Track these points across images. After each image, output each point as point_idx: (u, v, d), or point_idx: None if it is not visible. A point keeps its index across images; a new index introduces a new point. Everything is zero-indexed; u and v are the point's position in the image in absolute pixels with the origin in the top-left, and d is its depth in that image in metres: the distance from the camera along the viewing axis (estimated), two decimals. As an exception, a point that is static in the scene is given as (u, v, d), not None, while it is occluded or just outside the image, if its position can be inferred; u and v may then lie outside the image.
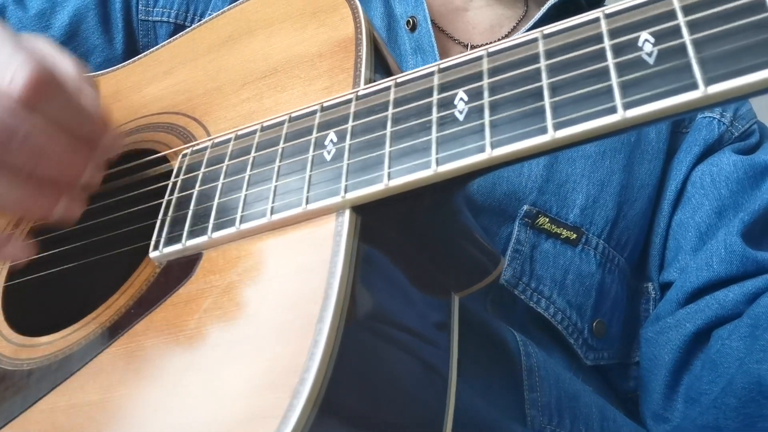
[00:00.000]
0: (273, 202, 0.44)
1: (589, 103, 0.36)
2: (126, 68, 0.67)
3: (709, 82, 0.33)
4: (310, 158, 0.44)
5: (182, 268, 0.47)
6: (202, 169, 0.49)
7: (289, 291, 0.40)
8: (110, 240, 0.56)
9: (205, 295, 0.44)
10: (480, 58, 0.42)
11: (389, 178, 0.41)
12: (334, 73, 0.50)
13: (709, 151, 0.74)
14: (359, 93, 0.46)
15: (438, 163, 0.39)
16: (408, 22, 0.76)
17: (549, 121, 0.37)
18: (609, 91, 0.36)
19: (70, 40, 0.81)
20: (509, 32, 0.79)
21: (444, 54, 0.76)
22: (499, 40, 0.65)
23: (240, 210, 0.45)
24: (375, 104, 0.44)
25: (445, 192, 0.43)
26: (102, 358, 0.45)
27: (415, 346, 0.45)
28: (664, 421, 0.66)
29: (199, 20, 0.72)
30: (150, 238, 0.49)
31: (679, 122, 0.77)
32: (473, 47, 0.77)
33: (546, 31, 0.40)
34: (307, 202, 0.43)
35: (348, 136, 0.44)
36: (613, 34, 0.37)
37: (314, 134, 0.45)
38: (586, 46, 0.38)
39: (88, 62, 0.81)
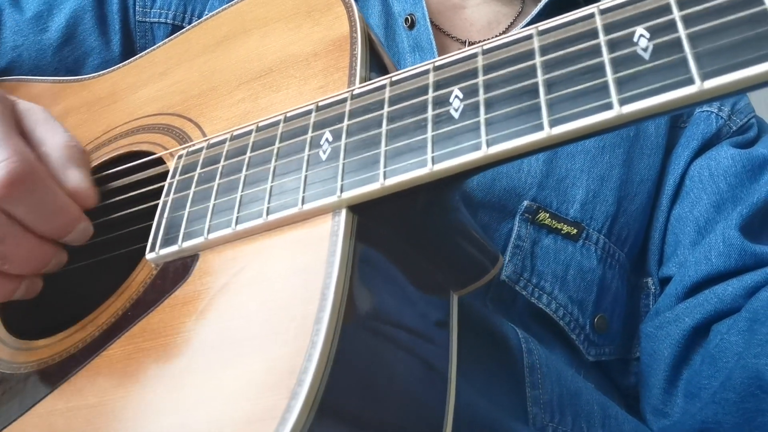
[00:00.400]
0: (269, 203, 0.44)
1: (585, 100, 0.36)
2: (121, 69, 0.67)
3: (705, 77, 0.33)
4: (305, 158, 0.44)
5: (179, 270, 0.46)
6: (198, 170, 0.49)
7: (286, 291, 0.40)
8: (107, 242, 0.55)
9: (201, 297, 0.44)
10: (475, 55, 0.42)
11: (385, 177, 0.40)
12: (329, 72, 0.49)
13: (707, 145, 0.74)
14: (354, 92, 0.45)
15: (434, 162, 0.39)
16: (406, 19, 0.76)
17: (545, 118, 0.37)
18: (605, 87, 0.35)
19: (67, 42, 0.81)
20: (506, 29, 0.79)
21: (442, 51, 0.75)
22: (496, 36, 0.65)
23: (236, 211, 0.45)
24: (370, 103, 0.44)
25: (441, 190, 0.43)
26: (99, 361, 0.45)
27: (413, 345, 0.44)
28: (663, 416, 0.66)
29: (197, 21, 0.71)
30: (146, 240, 0.49)
31: (677, 117, 0.76)
32: (471, 44, 0.77)
33: (541, 28, 0.40)
34: (303, 202, 0.43)
35: (343, 136, 0.43)
36: (608, 29, 0.37)
37: (310, 134, 0.45)
38: (581, 42, 0.38)
39: (86, 64, 0.81)
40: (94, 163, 0.60)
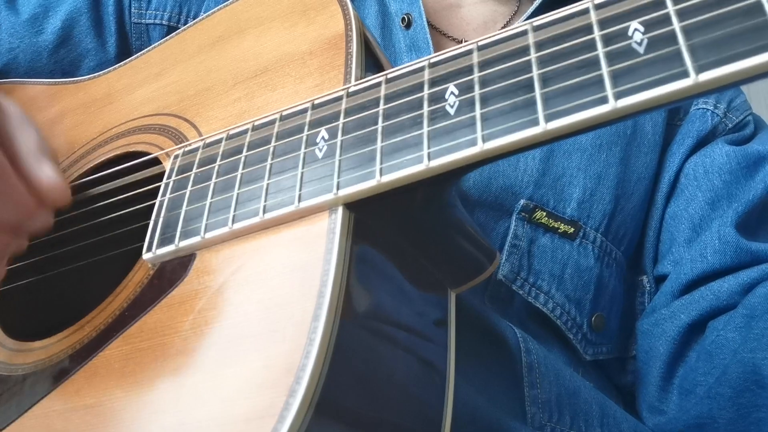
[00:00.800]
0: (265, 201, 0.44)
1: (580, 94, 0.36)
2: (117, 71, 0.67)
3: (699, 69, 0.33)
4: (301, 156, 0.44)
5: (176, 269, 0.46)
6: (194, 170, 0.49)
7: (284, 289, 0.40)
8: (103, 242, 0.55)
9: (199, 296, 0.43)
10: (470, 51, 0.42)
11: (381, 173, 0.40)
12: (325, 71, 0.49)
13: (702, 142, 0.74)
14: (350, 90, 0.46)
15: (430, 158, 0.39)
16: (403, 19, 0.76)
17: (540, 113, 0.37)
18: (600, 81, 0.35)
19: (62, 44, 0.81)
20: (503, 27, 0.79)
21: (439, 51, 0.75)
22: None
23: (232, 210, 0.45)
24: (366, 100, 0.44)
25: (438, 186, 0.43)
26: (97, 361, 0.45)
27: (411, 343, 0.44)
28: (659, 413, 0.66)
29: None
30: (143, 240, 0.49)
31: (673, 114, 0.76)
32: (467, 43, 0.77)
33: (535, 23, 0.40)
34: (299, 200, 0.42)
35: (339, 133, 0.43)
36: (603, 24, 0.37)
37: (305, 132, 0.45)
38: (576, 36, 0.38)
39: (81, 66, 0.81)
40: (91, 164, 0.60)
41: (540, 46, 0.39)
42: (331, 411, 0.36)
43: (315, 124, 0.45)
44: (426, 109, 0.41)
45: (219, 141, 0.50)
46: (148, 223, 0.49)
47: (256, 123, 0.48)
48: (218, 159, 0.48)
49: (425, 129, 0.40)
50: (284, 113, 0.47)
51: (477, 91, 0.40)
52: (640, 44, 0.35)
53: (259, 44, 0.55)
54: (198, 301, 0.43)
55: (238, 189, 0.46)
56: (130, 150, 0.58)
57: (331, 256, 0.39)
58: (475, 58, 0.41)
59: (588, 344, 0.68)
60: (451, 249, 0.48)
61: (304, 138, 0.45)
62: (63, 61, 0.81)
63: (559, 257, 0.68)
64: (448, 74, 0.42)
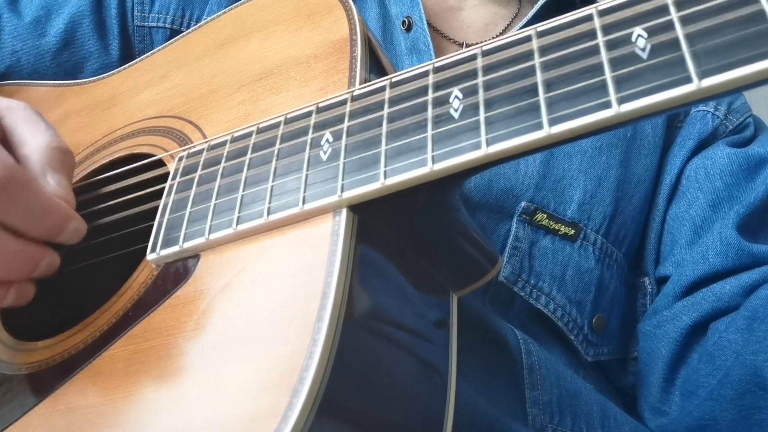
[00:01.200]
0: (270, 203, 0.44)
1: (584, 99, 0.36)
2: (122, 73, 0.67)
3: (702, 75, 0.33)
4: (306, 158, 0.44)
5: (180, 270, 0.47)
6: (199, 171, 0.49)
7: (287, 290, 0.40)
8: (107, 243, 0.56)
9: (203, 297, 0.44)
10: (474, 56, 0.42)
11: (386, 176, 0.41)
12: (330, 74, 0.50)
13: (703, 144, 0.74)
14: (354, 93, 0.46)
15: (434, 161, 0.40)
16: (403, 22, 0.76)
17: (544, 117, 0.37)
18: (603, 86, 0.36)
19: (65, 47, 0.81)
20: (503, 31, 0.80)
21: (439, 53, 0.76)
22: (493, 38, 0.65)
23: (237, 211, 0.45)
24: (370, 104, 0.44)
25: (441, 189, 0.43)
26: (100, 361, 0.45)
27: (413, 345, 0.45)
28: (661, 415, 0.66)
29: (195, 24, 0.72)
30: (147, 241, 0.49)
31: (674, 116, 0.77)
32: (468, 46, 0.77)
33: (540, 29, 0.40)
34: (303, 202, 0.43)
35: (344, 136, 0.44)
36: (607, 29, 0.37)
37: (310, 134, 0.45)
38: (580, 42, 0.38)
39: (84, 68, 0.81)
40: (95, 166, 0.60)
41: (544, 51, 0.39)
42: (334, 412, 0.36)
43: (319, 126, 0.45)
44: (430, 112, 0.41)
45: (224, 143, 0.50)
46: (152, 225, 0.49)
47: (261, 125, 0.49)
48: (223, 161, 0.49)
49: (429, 132, 0.40)
50: (289, 116, 0.48)
51: (481, 95, 0.40)
52: (643, 50, 0.35)
53: (264, 47, 0.56)
54: (202, 302, 0.43)
55: (243, 191, 0.46)
56: (135, 152, 0.58)
57: (335, 257, 0.39)
58: (480, 63, 0.41)
59: (589, 345, 0.69)
60: (453, 252, 0.48)
61: (309, 140, 0.45)
62: (66, 63, 0.81)
63: (559, 259, 0.68)
64: (453, 78, 0.42)
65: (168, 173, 0.52)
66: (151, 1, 0.82)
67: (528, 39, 0.40)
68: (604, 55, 0.36)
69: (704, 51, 0.33)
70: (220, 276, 0.44)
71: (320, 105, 0.47)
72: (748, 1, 0.33)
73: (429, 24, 0.76)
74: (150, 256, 0.48)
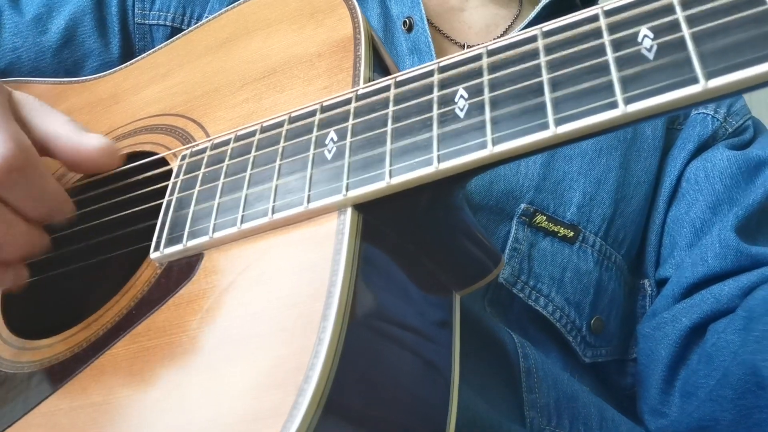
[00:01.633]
0: (274, 201, 0.44)
1: (590, 99, 0.36)
2: (124, 71, 0.67)
3: (709, 76, 0.33)
4: (310, 157, 0.44)
5: (183, 269, 0.47)
6: (202, 170, 0.49)
7: (292, 289, 0.40)
8: (110, 241, 0.55)
9: (207, 295, 0.44)
10: (480, 56, 0.42)
11: (391, 175, 0.41)
12: (333, 73, 0.50)
13: (702, 147, 0.75)
14: (359, 92, 0.46)
15: (439, 160, 0.40)
16: (404, 22, 0.76)
17: (550, 117, 0.37)
18: (609, 86, 0.36)
19: (66, 44, 0.81)
20: (504, 31, 0.80)
21: (440, 54, 0.76)
22: (494, 39, 0.65)
23: (241, 209, 0.45)
24: (375, 102, 0.44)
25: (446, 189, 0.43)
26: (104, 359, 0.45)
27: (417, 344, 0.45)
28: (661, 416, 0.67)
29: (196, 23, 0.72)
30: (150, 239, 0.49)
31: (673, 119, 0.77)
32: (469, 47, 0.78)
33: (545, 28, 0.40)
34: (308, 201, 0.43)
35: (349, 135, 0.44)
36: (612, 29, 0.37)
37: (315, 133, 0.45)
38: (586, 41, 0.38)
39: (85, 66, 0.81)
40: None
41: (550, 50, 0.39)
42: (340, 410, 0.36)
43: (324, 125, 0.45)
44: (435, 111, 0.41)
45: (227, 141, 0.50)
46: (155, 223, 0.49)
47: (265, 124, 0.49)
48: (227, 159, 0.48)
49: (435, 131, 0.40)
50: (293, 114, 0.48)
51: (487, 95, 0.40)
52: (649, 50, 0.35)
53: (267, 46, 0.56)
54: (206, 301, 0.43)
55: (247, 189, 0.46)
56: (137, 150, 0.58)
57: (340, 256, 0.39)
58: (485, 62, 0.41)
59: (587, 347, 0.69)
60: (457, 251, 0.48)
61: (314, 139, 0.45)
62: (66, 61, 0.81)
63: (558, 261, 0.68)
64: (458, 77, 0.42)
65: (171, 171, 0.52)
66: None
67: (534, 38, 0.40)
68: (610, 55, 0.36)
69: (711, 51, 0.34)
70: (224, 275, 0.44)
71: (324, 103, 0.47)
72: (755, 1, 0.33)
73: (430, 24, 0.76)
74: (153, 255, 0.48)
